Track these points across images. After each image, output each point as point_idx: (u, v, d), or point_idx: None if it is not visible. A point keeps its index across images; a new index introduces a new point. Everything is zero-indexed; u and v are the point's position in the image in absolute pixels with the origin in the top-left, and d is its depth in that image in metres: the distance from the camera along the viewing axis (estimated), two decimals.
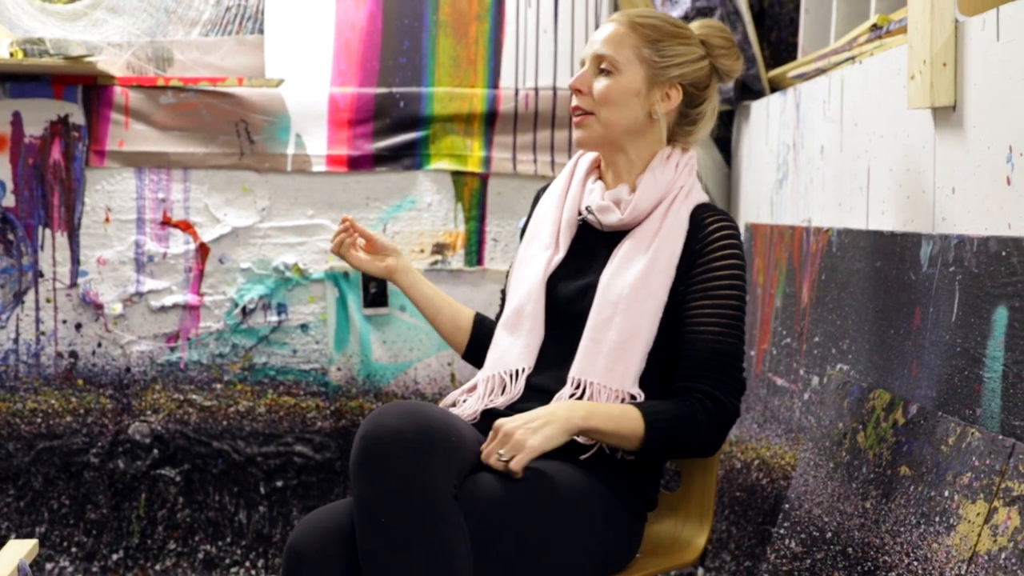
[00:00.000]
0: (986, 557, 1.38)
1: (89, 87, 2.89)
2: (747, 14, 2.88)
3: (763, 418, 2.41)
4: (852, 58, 2.23)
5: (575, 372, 1.75)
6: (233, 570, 2.94)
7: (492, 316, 2.06)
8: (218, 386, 2.95)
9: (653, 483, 1.80)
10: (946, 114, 1.72)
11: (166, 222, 2.94)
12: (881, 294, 1.91)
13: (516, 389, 1.78)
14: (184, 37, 2.96)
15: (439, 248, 3.02)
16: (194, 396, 2.95)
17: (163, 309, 2.94)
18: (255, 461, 2.95)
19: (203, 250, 2.95)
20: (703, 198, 1.84)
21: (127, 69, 2.93)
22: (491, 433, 1.65)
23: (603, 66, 1.80)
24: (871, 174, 2.05)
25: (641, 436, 1.67)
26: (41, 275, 2.90)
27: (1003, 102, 1.53)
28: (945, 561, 1.46)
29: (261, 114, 2.93)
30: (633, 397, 1.73)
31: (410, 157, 2.99)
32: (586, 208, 1.85)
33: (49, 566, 2.88)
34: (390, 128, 2.98)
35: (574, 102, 1.83)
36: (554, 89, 3.02)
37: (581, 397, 1.73)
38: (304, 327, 2.98)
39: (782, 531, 2.00)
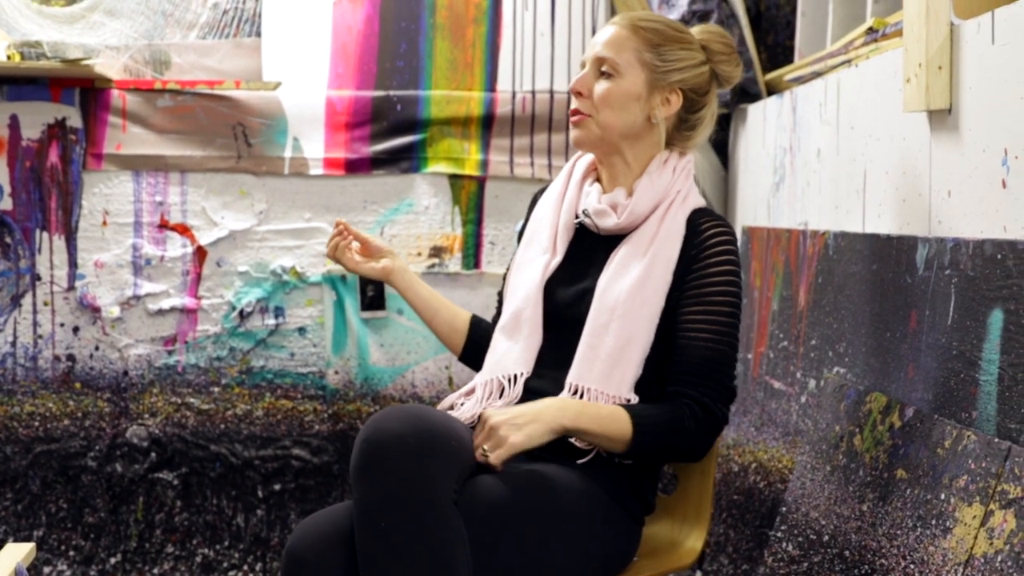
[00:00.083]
0: (982, 560, 1.38)
1: (86, 90, 2.89)
2: (744, 17, 2.89)
3: (760, 421, 2.41)
4: (848, 61, 2.23)
5: (572, 378, 1.75)
6: (231, 574, 2.94)
7: (489, 319, 2.07)
8: (216, 389, 2.95)
9: (651, 486, 1.80)
10: (942, 117, 1.72)
11: (163, 225, 2.94)
12: (877, 297, 1.91)
13: (514, 393, 1.78)
14: (181, 40, 2.96)
15: (436, 251, 3.02)
16: (192, 399, 2.95)
17: (160, 312, 2.94)
18: (253, 464, 2.95)
19: (200, 253, 2.95)
20: (700, 203, 1.84)
21: (124, 72, 2.93)
22: (479, 425, 1.66)
23: (604, 69, 1.79)
24: (867, 177, 2.05)
25: (628, 439, 1.68)
26: (38, 278, 2.90)
27: (998, 105, 1.53)
28: (941, 564, 1.46)
29: (258, 117, 2.94)
30: (629, 402, 1.73)
31: (407, 160, 3.00)
32: (583, 212, 1.85)
33: (47, 570, 2.88)
34: (387, 131, 2.98)
35: (573, 104, 1.83)
36: (551, 92, 3.02)
37: None
38: (302, 330, 2.98)
39: (779, 534, 2.00)
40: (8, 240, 2.88)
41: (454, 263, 3.03)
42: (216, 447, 2.94)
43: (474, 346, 2.01)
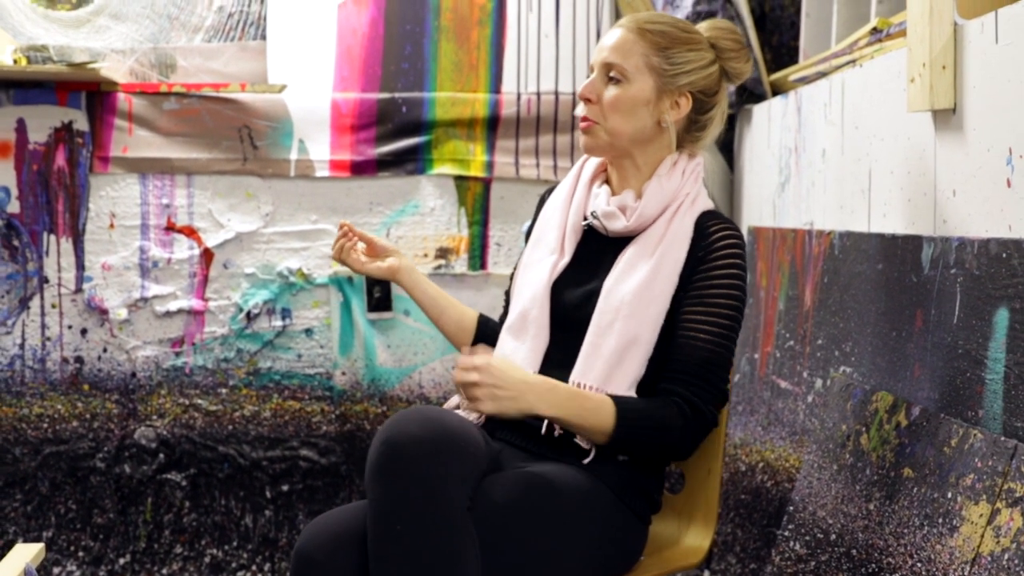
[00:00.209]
0: (989, 558, 1.38)
1: (93, 93, 2.90)
2: (748, 18, 2.89)
3: (767, 421, 2.42)
4: (853, 61, 2.24)
5: (575, 376, 1.75)
6: (239, 574, 2.95)
7: (496, 319, 2.07)
8: (223, 391, 2.96)
9: (657, 485, 1.81)
10: (946, 117, 1.72)
11: (170, 227, 2.95)
12: (883, 296, 1.92)
13: None
14: (187, 43, 2.97)
15: (442, 252, 3.03)
16: (199, 401, 2.96)
17: (168, 314, 2.95)
18: (260, 465, 2.96)
19: (207, 255, 2.96)
20: (709, 205, 1.83)
21: (130, 75, 2.94)
22: (475, 363, 1.61)
23: (612, 74, 1.78)
24: (872, 177, 2.06)
25: (610, 431, 1.68)
26: (46, 281, 2.91)
27: (1002, 104, 1.54)
28: (948, 562, 1.47)
29: (264, 120, 2.95)
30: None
31: (413, 162, 3.00)
32: (591, 213, 1.85)
33: (56, 570, 2.90)
34: (393, 133, 2.99)
35: (581, 111, 1.81)
36: (556, 93, 3.03)
37: None
38: (309, 332, 2.99)
39: (786, 533, 2.01)
40: (16, 243, 2.89)
41: (460, 264, 3.03)
42: (224, 448, 2.95)
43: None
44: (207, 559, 2.95)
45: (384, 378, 3.00)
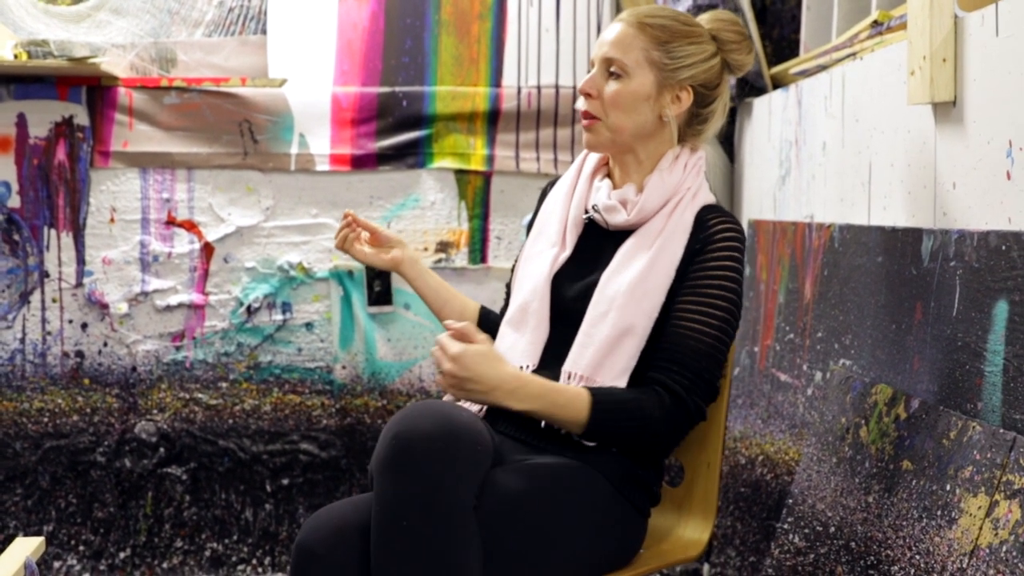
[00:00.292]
0: (987, 550, 1.38)
1: (93, 88, 2.90)
2: (749, 11, 2.89)
3: (767, 414, 2.42)
4: (853, 54, 2.24)
5: (567, 366, 1.75)
6: (240, 568, 2.96)
7: (496, 312, 2.07)
8: (224, 385, 2.97)
9: (656, 478, 1.81)
10: (946, 109, 1.72)
11: (171, 222, 2.96)
12: (883, 289, 1.92)
13: None
14: (187, 38, 2.97)
15: (443, 246, 3.03)
16: (200, 395, 2.96)
17: (168, 308, 2.95)
18: (261, 459, 2.97)
19: (208, 249, 2.96)
20: (710, 199, 1.82)
21: (131, 70, 2.94)
22: (451, 352, 1.62)
23: (612, 69, 1.77)
24: (872, 170, 2.06)
25: (584, 422, 1.67)
26: (47, 275, 2.91)
27: (1003, 97, 1.54)
28: (947, 554, 1.47)
29: (264, 114, 2.95)
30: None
31: (413, 156, 3.00)
32: (593, 207, 1.84)
33: (57, 564, 2.90)
34: (393, 127, 2.99)
35: (582, 105, 1.81)
36: (556, 87, 3.02)
37: None
38: (309, 326, 2.99)
39: (786, 526, 2.01)
40: (16, 237, 2.90)
41: (460, 258, 3.04)
42: (224, 442, 2.96)
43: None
44: (207, 553, 2.95)
45: (384, 372, 3.00)
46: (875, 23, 2.11)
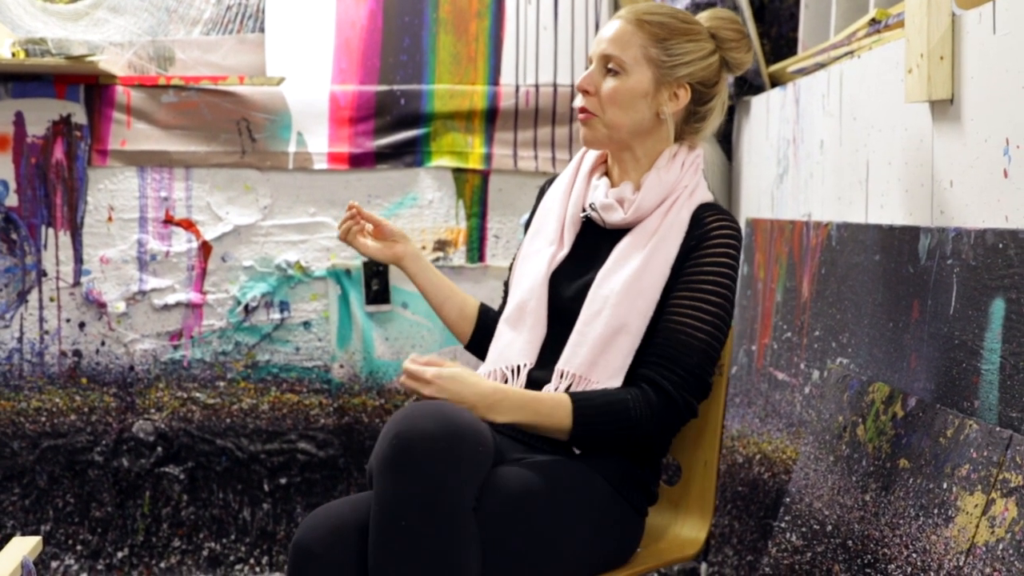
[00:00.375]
0: (984, 548, 1.38)
1: (91, 87, 2.90)
2: (747, 9, 2.88)
3: (764, 412, 2.42)
4: (851, 52, 2.23)
5: (561, 364, 1.75)
6: (237, 567, 2.96)
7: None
8: (221, 384, 2.97)
9: (653, 477, 1.80)
10: (944, 107, 1.72)
11: (168, 220, 2.95)
12: (880, 287, 1.91)
13: (518, 384, 1.78)
14: (185, 36, 2.97)
15: (441, 245, 3.03)
16: (197, 394, 2.96)
17: (166, 307, 2.95)
18: (259, 458, 2.96)
19: (205, 248, 2.96)
20: (707, 197, 1.82)
21: (129, 68, 2.94)
22: (426, 376, 1.64)
23: (610, 66, 1.77)
24: (870, 168, 2.05)
25: (568, 429, 1.68)
26: (44, 274, 2.91)
27: (1000, 95, 1.53)
28: (944, 553, 1.47)
29: (262, 112, 2.94)
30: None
31: (411, 154, 3.00)
32: (590, 205, 1.84)
33: (54, 564, 2.90)
34: (391, 125, 2.99)
35: (579, 102, 1.80)
36: (554, 86, 3.02)
37: (568, 390, 1.73)
38: (307, 324, 2.99)
39: (783, 525, 2.01)
40: (14, 236, 2.89)
41: (458, 256, 3.03)
42: (222, 441, 2.96)
43: (481, 334, 2.00)
44: (205, 552, 2.95)
45: (382, 371, 3.00)
46: (873, 21, 2.11)
